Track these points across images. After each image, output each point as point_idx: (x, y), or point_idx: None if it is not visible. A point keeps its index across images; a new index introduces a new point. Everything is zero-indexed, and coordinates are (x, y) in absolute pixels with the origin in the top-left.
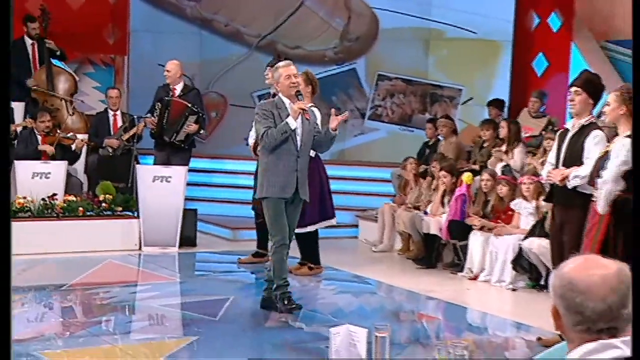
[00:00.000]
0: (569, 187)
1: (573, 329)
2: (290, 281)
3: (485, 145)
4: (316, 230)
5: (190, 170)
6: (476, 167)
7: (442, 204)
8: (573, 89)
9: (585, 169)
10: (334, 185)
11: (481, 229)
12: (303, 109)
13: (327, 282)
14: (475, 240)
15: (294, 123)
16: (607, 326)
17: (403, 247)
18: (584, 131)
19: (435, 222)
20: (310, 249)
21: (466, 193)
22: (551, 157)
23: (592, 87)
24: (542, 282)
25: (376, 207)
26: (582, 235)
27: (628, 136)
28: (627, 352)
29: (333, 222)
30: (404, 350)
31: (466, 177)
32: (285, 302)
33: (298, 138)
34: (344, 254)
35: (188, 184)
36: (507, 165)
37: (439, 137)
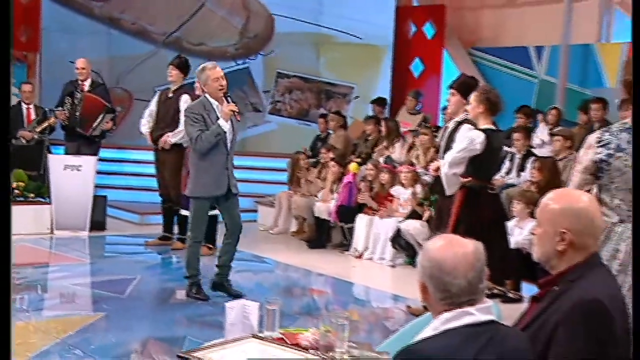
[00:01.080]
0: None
1: (439, 302)
2: None
3: (369, 138)
4: (216, 215)
5: (100, 160)
6: (359, 160)
7: (332, 191)
8: (449, 90)
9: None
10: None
11: (369, 208)
12: (234, 111)
13: None
14: (361, 222)
15: (226, 125)
16: (467, 299)
17: (297, 230)
18: (458, 127)
19: (326, 207)
20: (209, 231)
21: (353, 181)
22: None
23: (465, 88)
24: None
25: (274, 194)
26: None
27: (482, 130)
28: (481, 317)
29: None
30: (295, 321)
31: (353, 166)
32: (194, 291)
33: (228, 138)
34: (244, 236)
35: (98, 173)
36: (389, 156)
37: (329, 130)
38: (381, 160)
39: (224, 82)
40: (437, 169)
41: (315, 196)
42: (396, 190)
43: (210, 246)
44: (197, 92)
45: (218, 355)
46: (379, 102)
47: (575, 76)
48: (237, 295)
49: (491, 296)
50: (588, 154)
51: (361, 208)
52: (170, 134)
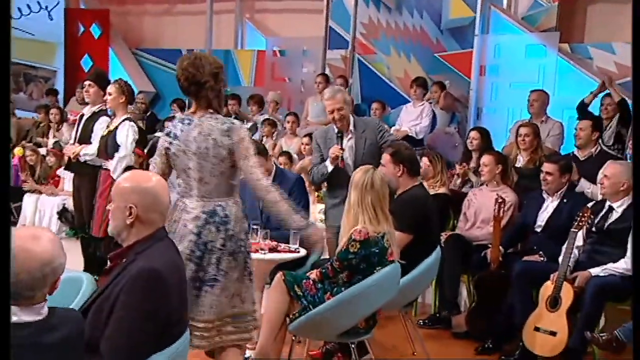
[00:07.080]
0: (81, 160)
1: None
2: None
3: (40, 125)
4: None
5: None
6: (30, 145)
7: None
8: (87, 83)
9: (93, 148)
10: None
11: (33, 191)
12: (337, 156)
13: None
14: (29, 201)
15: (329, 167)
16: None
17: None
18: (94, 117)
19: None
20: None
21: (18, 163)
22: (72, 136)
23: (101, 80)
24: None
25: None
26: (94, 196)
27: (124, 120)
28: (24, 317)
29: None
30: None
31: (18, 150)
32: None
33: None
34: None
35: None
36: (57, 141)
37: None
38: (51, 142)
39: (337, 116)
40: (76, 154)
41: None
42: (61, 172)
43: None
44: None
45: None
46: (52, 92)
47: None
48: None
49: None
50: (162, 142)
51: None
52: None
